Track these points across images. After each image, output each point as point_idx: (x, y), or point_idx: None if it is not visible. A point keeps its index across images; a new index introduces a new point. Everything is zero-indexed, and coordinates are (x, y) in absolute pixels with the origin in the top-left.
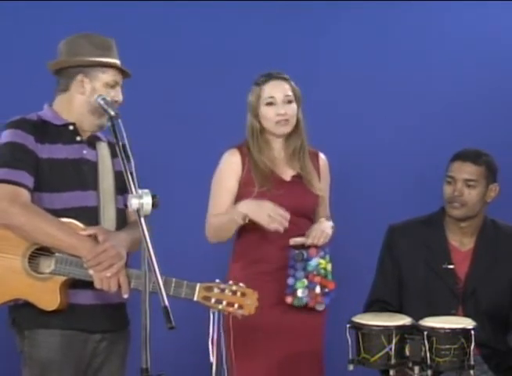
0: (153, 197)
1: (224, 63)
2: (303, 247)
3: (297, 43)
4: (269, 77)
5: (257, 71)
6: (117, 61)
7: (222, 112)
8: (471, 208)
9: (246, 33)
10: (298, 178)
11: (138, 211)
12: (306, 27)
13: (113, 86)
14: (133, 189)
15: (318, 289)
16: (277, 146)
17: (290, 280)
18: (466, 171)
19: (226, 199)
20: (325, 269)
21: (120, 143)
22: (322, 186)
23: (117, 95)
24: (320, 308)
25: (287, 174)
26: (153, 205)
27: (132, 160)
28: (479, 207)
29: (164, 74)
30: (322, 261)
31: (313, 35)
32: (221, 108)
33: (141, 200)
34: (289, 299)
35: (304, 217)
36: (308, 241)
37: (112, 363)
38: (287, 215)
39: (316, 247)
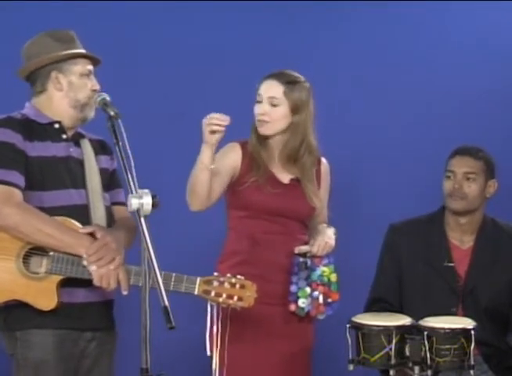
0: (153, 197)
1: (224, 62)
2: (308, 255)
3: (297, 43)
4: (269, 75)
5: (257, 71)
6: (83, 50)
7: (222, 112)
8: (471, 202)
9: (246, 32)
10: (296, 182)
11: (138, 211)
12: (306, 27)
13: (87, 75)
14: (133, 189)
15: (321, 298)
16: (272, 146)
17: (293, 288)
18: (465, 164)
19: (214, 186)
20: (328, 278)
21: (120, 143)
22: (321, 193)
23: (94, 84)
24: (321, 317)
25: (285, 177)
26: (153, 205)
27: (132, 160)
28: (479, 201)
29: (164, 74)
30: (325, 269)
31: (313, 35)
32: (220, 108)
33: (141, 200)
34: (292, 307)
35: (296, 220)
36: (313, 251)
37: (101, 364)
38: (221, 116)
39: (320, 256)
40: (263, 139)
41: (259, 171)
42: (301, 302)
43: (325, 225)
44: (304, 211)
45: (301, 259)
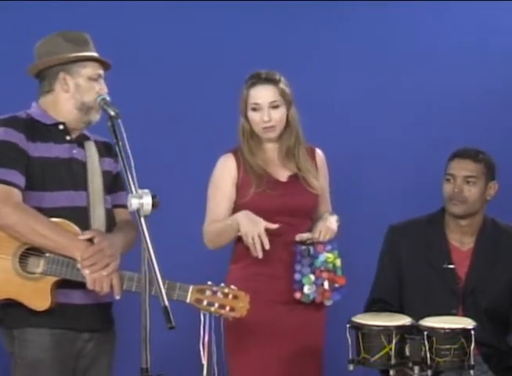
0: (153, 197)
1: (224, 62)
2: (308, 242)
3: (297, 42)
4: (256, 80)
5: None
6: (94, 54)
7: (222, 112)
8: (471, 205)
9: (246, 32)
10: (295, 178)
11: (138, 211)
12: (306, 27)
13: (96, 79)
14: (133, 189)
15: (326, 284)
16: (270, 146)
17: (297, 276)
18: (465, 168)
19: (224, 206)
20: (333, 263)
21: (120, 143)
22: (320, 182)
23: (102, 87)
24: (328, 303)
25: (283, 175)
26: (153, 205)
27: (132, 160)
28: (479, 204)
29: (164, 74)
30: (330, 255)
31: (313, 35)
32: (220, 108)
33: (141, 200)
34: (298, 295)
35: (302, 217)
36: (314, 236)
37: (100, 363)
38: (266, 245)
39: (323, 242)
40: (258, 145)
41: (257, 179)
42: (307, 289)
43: (328, 213)
44: (307, 204)
45: (303, 247)
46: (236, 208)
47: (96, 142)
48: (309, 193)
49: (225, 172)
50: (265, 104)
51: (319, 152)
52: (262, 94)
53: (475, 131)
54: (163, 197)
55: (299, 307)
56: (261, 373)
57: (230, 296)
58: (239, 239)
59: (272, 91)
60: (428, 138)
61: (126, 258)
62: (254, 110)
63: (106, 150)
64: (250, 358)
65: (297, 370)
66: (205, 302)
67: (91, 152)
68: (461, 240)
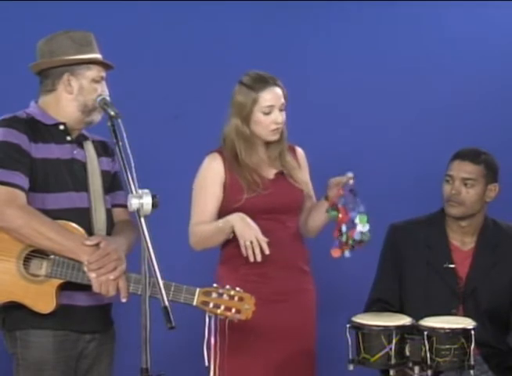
0: (153, 197)
1: (224, 62)
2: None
3: (297, 42)
4: (265, 82)
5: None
6: (98, 55)
7: (222, 112)
8: (469, 207)
9: (245, 33)
10: (281, 175)
11: (138, 211)
12: (306, 27)
13: (98, 81)
14: (133, 189)
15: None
16: (261, 148)
17: (353, 214)
18: (464, 170)
19: (211, 206)
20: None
21: (120, 143)
22: (304, 178)
23: (104, 89)
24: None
25: (270, 172)
26: (153, 205)
27: (132, 160)
28: (478, 206)
29: (164, 74)
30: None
31: (313, 35)
32: (220, 108)
33: (141, 200)
34: (358, 229)
35: (290, 213)
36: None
37: (101, 363)
38: (266, 250)
39: None
40: (254, 147)
41: (251, 185)
42: (364, 227)
43: None
44: (295, 200)
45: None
46: (228, 212)
47: (93, 142)
48: (296, 189)
49: (213, 172)
50: (278, 106)
51: (299, 150)
52: (276, 96)
53: (475, 132)
54: (163, 197)
55: (291, 306)
56: (257, 374)
57: (236, 298)
58: (227, 241)
59: (281, 93)
60: (428, 138)
61: (127, 259)
62: (266, 112)
63: (103, 150)
64: (245, 359)
65: (290, 370)
66: (211, 305)
67: (90, 152)
68: (462, 240)
